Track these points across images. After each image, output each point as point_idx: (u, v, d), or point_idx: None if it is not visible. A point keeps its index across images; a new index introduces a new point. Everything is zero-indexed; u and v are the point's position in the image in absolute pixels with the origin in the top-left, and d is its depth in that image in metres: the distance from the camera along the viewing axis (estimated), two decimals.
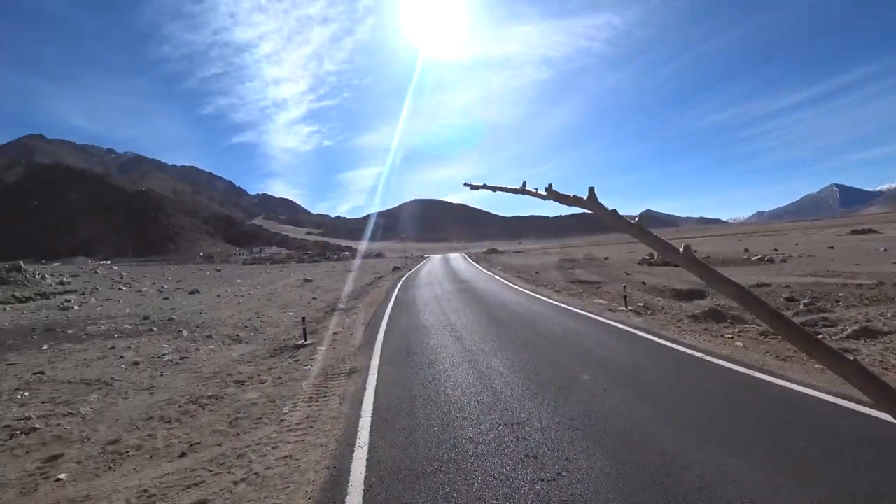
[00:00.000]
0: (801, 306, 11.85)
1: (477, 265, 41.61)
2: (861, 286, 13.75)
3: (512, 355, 7.50)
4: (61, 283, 28.42)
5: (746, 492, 3.27)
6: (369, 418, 5.07)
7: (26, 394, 7.19)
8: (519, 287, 19.32)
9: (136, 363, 8.81)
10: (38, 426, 5.89)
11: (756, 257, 29.00)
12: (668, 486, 3.41)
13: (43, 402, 6.81)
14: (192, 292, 25.21)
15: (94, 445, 5.28)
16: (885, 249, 28.30)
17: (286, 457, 4.34)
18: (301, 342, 10.08)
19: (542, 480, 3.60)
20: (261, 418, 5.53)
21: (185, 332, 11.94)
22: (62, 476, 4.55)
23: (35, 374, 8.19)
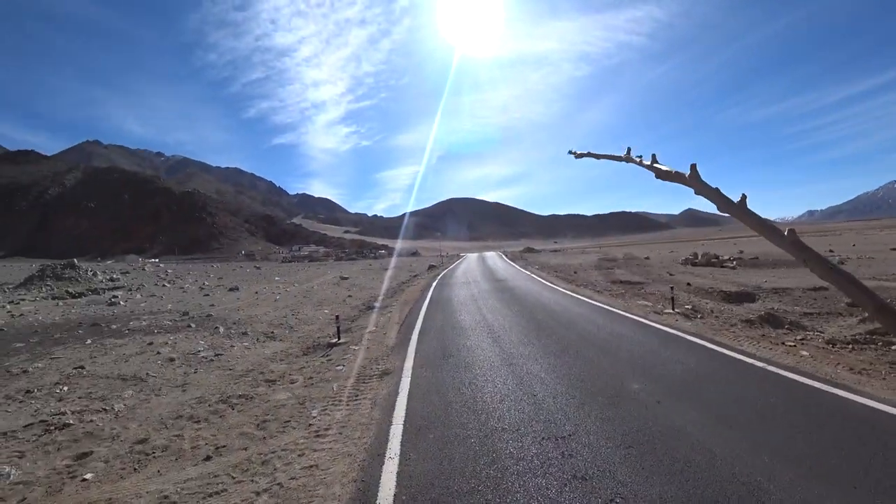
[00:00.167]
0: (866, 313, 10.82)
1: (514, 264, 40.91)
2: None
3: (553, 360, 7.00)
4: (111, 279, 29.69)
5: None
6: (401, 426, 4.72)
7: (65, 388, 7.26)
8: (558, 287, 18.66)
9: (172, 359, 8.83)
10: (71, 422, 5.87)
11: None
12: None
13: (80, 398, 6.83)
14: (231, 289, 25.76)
15: (122, 444, 5.18)
16: None
17: (312, 466, 4.04)
18: (334, 341, 9.90)
19: None
20: (289, 421, 5.28)
21: (221, 329, 12.00)
22: (88, 476, 4.43)
23: (76, 368, 8.31)
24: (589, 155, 1.97)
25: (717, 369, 6.31)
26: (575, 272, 27.15)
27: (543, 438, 4.24)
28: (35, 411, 6.36)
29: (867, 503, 3.04)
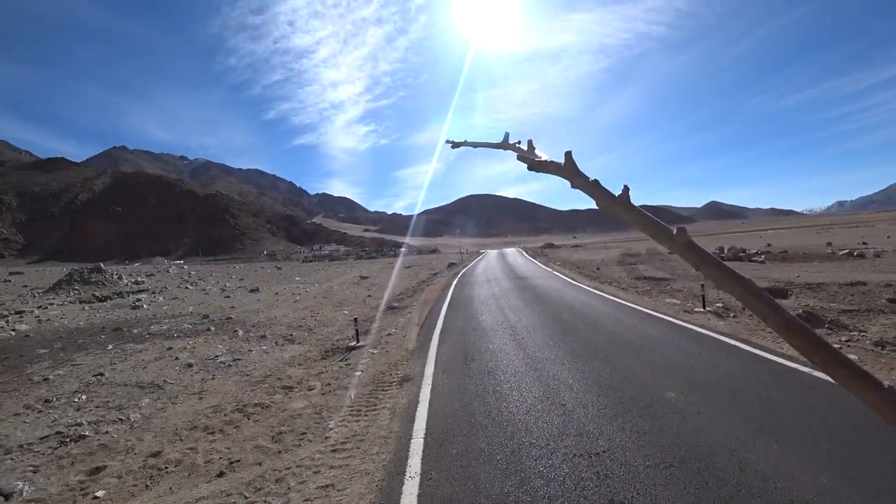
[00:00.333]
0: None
1: (534, 260, 40.36)
2: None
3: (581, 364, 6.62)
4: (136, 282, 30.24)
5: None
6: (422, 440, 4.43)
7: (84, 397, 7.20)
8: (581, 284, 18.17)
9: (190, 365, 8.73)
10: (87, 433, 5.76)
11: (842, 251, 25.93)
12: None
13: (97, 407, 6.75)
14: (252, 290, 25.92)
15: (136, 457, 5.02)
16: None
17: (327, 486, 3.78)
18: (353, 344, 9.70)
19: None
20: (305, 433, 5.05)
21: (240, 332, 11.94)
22: (99, 494, 4.27)
23: (95, 375, 8.27)
24: (466, 144, 1.81)
25: (758, 375, 5.86)
26: (597, 268, 26.54)
27: (575, 455, 3.90)
28: (52, 422, 6.29)
29: None
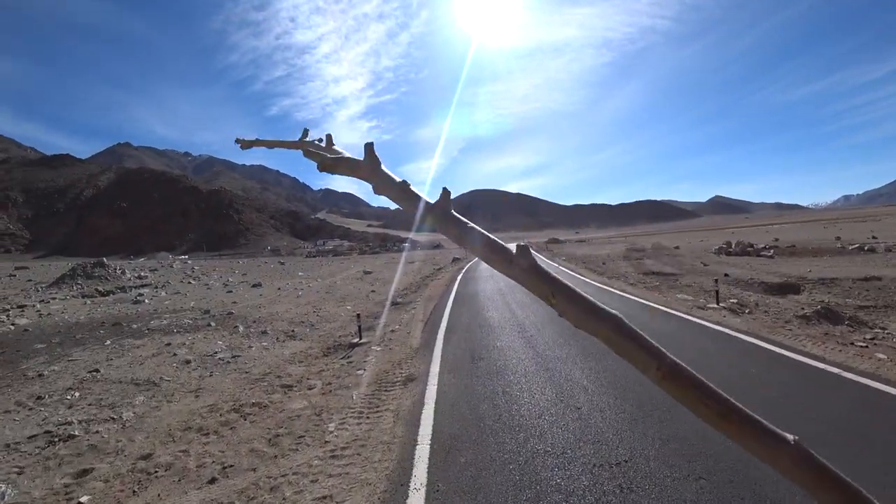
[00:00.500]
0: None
1: (539, 255, 39.90)
2: None
3: (594, 364, 6.30)
4: (139, 277, 30.09)
5: None
6: (427, 446, 4.13)
7: (77, 394, 6.94)
8: (588, 279, 17.83)
9: (188, 361, 8.47)
10: (77, 433, 5.49)
11: (852, 246, 25.43)
12: None
13: (89, 405, 6.48)
14: (254, 285, 25.71)
15: (126, 460, 4.75)
16: None
17: (325, 497, 3.49)
18: (356, 340, 9.42)
19: None
20: (303, 437, 4.77)
21: (241, 328, 11.67)
22: (84, 500, 4.01)
23: (90, 372, 8.02)
24: (258, 143, 1.57)
25: (782, 377, 5.53)
26: (603, 263, 26.19)
27: (595, 466, 3.59)
28: (43, 420, 6.03)
29: None
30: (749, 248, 29.31)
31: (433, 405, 5.15)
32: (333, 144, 1.20)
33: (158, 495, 3.98)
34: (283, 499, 3.55)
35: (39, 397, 6.88)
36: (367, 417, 5.06)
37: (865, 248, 24.02)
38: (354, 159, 0.98)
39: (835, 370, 5.68)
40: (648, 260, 27.19)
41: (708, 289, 14.13)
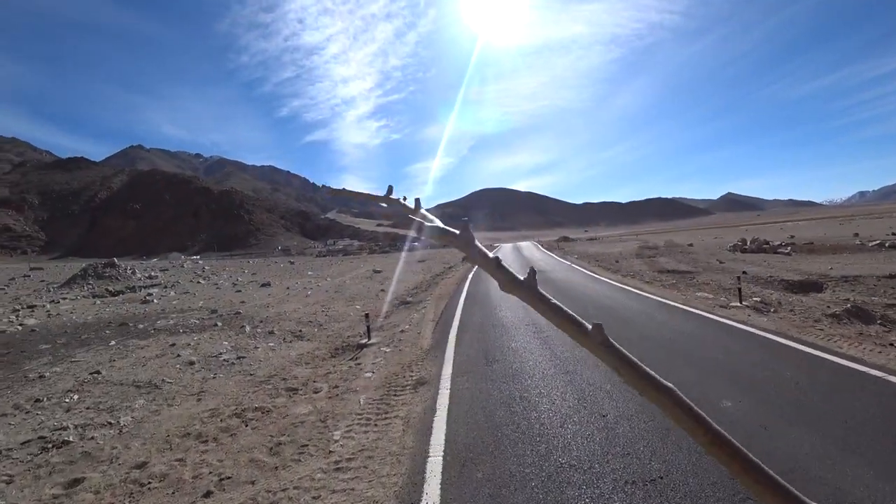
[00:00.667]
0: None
1: (551, 253, 39.44)
2: None
3: None
4: (149, 277, 30.12)
5: None
6: (440, 458, 3.77)
7: (76, 397, 6.70)
8: (602, 277, 17.35)
9: (192, 363, 8.21)
10: (71, 439, 5.24)
11: (872, 243, 24.58)
12: None
13: (87, 408, 6.24)
14: (263, 285, 25.55)
15: (119, 469, 4.47)
16: None
17: None
18: (364, 341, 9.11)
19: None
20: (306, 445, 4.44)
21: (247, 328, 11.42)
22: None
23: (92, 373, 7.79)
24: (344, 193, 1.59)
25: (821, 379, 5.11)
26: (616, 261, 25.63)
27: (627, 483, 3.22)
28: (39, 424, 5.79)
29: None
30: (765, 245, 28.57)
31: (446, 412, 4.79)
32: (421, 208, 1.23)
33: None
34: None
35: (38, 400, 6.65)
36: (375, 425, 4.72)
37: (886, 244, 23.24)
38: (451, 231, 1.03)
39: (877, 373, 5.24)
40: (662, 258, 26.59)
41: (727, 287, 13.62)
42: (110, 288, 24.59)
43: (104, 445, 5.04)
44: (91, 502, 3.93)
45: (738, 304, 10.27)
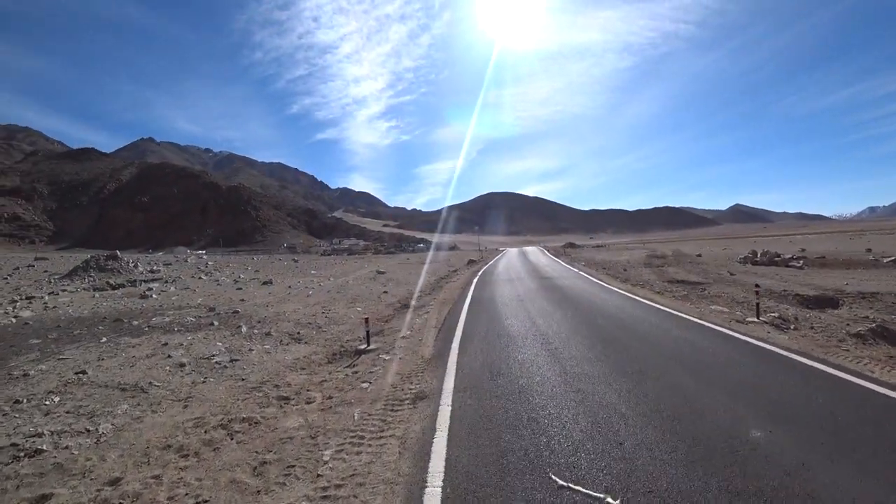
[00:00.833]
0: None
1: (557, 260, 38.99)
2: None
3: (631, 385, 5.49)
4: (151, 271, 29.92)
5: None
6: (439, 490, 3.38)
7: (57, 399, 6.36)
8: (611, 286, 16.91)
9: (182, 365, 7.86)
10: (45, 447, 4.88)
11: (887, 259, 23.99)
12: None
13: (67, 412, 5.89)
14: (265, 283, 25.24)
15: (90, 485, 4.11)
16: None
17: None
18: (363, 347, 8.73)
19: None
20: (293, 466, 4.06)
21: (244, 328, 11.08)
22: None
23: (77, 373, 7.46)
24: None
25: (857, 409, 4.68)
26: (624, 269, 25.18)
27: None
28: (14, 429, 5.44)
29: None
30: (777, 258, 28.02)
31: (446, 432, 4.39)
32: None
33: None
34: None
35: (17, 401, 6.31)
36: (369, 444, 4.33)
37: None
38: None
39: None
40: (671, 268, 26.10)
41: (740, 300, 13.18)
42: (111, 281, 24.36)
43: (78, 456, 4.68)
44: None
45: (756, 320, 9.84)
